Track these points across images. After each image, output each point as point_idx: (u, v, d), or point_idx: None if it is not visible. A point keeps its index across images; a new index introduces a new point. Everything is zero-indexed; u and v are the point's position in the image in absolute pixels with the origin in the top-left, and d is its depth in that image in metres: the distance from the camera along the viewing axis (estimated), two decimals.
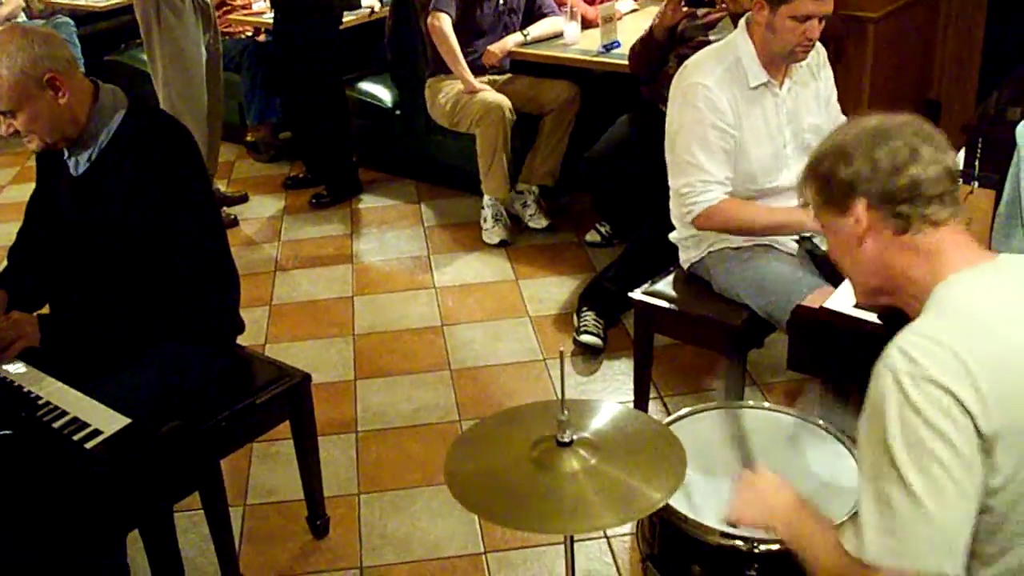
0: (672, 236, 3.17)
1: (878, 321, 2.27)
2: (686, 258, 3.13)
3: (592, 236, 4.73)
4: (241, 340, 2.88)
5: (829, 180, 1.68)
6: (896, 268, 1.66)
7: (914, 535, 1.48)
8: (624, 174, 4.17)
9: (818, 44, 2.94)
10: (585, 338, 3.84)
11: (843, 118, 3.15)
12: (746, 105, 2.90)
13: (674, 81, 2.99)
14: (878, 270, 1.69)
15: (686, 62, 3.02)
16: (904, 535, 1.48)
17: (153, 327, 2.53)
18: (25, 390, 2.43)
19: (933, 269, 1.62)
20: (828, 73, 3.11)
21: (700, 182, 2.89)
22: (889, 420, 1.48)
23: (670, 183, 3.00)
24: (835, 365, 2.42)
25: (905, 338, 1.52)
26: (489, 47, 4.83)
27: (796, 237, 3.00)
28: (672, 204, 3.04)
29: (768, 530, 1.80)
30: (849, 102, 3.40)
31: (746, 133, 2.90)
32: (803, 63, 2.95)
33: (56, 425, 2.29)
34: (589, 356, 3.85)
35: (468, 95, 4.74)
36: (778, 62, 2.91)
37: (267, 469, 3.35)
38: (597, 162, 4.27)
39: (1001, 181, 2.37)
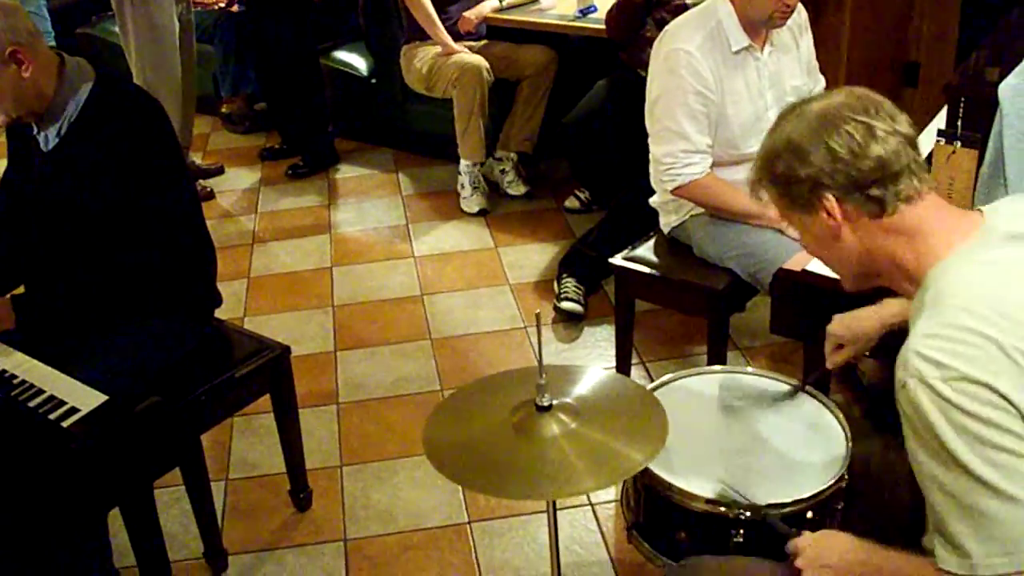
0: (652, 201, 3.15)
1: None
2: (666, 222, 3.12)
3: (571, 202, 4.71)
4: (219, 313, 2.85)
5: (789, 181, 1.60)
6: (881, 253, 1.59)
7: (1017, 530, 1.40)
8: (603, 139, 4.15)
9: (800, 7, 2.92)
10: (566, 305, 3.82)
11: (823, 80, 3.14)
12: (728, 70, 2.88)
13: (654, 47, 2.96)
14: (862, 259, 1.62)
15: (666, 27, 2.99)
16: (1006, 534, 1.40)
17: (129, 302, 2.51)
18: None
19: (921, 250, 1.55)
20: (809, 37, 3.08)
21: (683, 152, 2.88)
22: (938, 428, 1.40)
23: (651, 150, 2.98)
24: (817, 327, 2.42)
25: (920, 342, 1.43)
26: (465, 13, 4.77)
27: None
28: (652, 170, 3.02)
29: None
30: (828, 65, 3.37)
31: (727, 98, 2.88)
32: (784, 26, 2.92)
33: (32, 404, 2.26)
34: (570, 323, 3.84)
35: (444, 57, 4.69)
36: (758, 27, 2.88)
37: (248, 443, 3.33)
38: (575, 128, 4.24)
39: (983, 140, 2.36)
